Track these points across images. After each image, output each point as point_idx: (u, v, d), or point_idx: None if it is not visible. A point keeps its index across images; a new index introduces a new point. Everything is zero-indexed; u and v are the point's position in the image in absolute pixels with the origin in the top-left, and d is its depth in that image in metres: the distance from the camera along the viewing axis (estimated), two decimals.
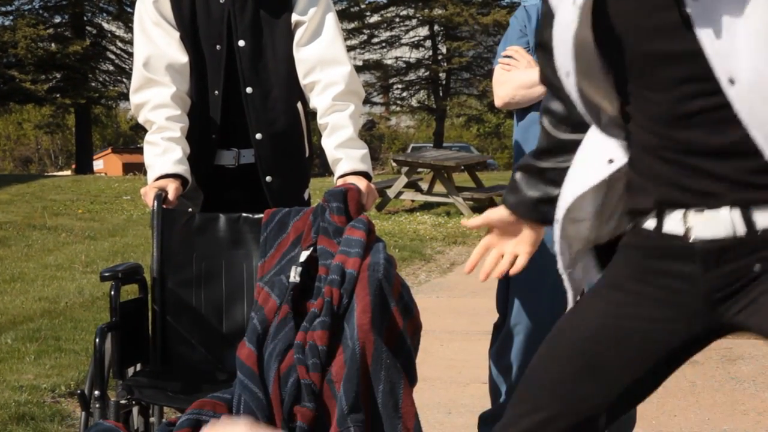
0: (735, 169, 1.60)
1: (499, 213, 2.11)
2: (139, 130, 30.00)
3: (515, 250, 2.15)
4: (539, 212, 2.05)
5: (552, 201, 1.97)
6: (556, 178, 1.96)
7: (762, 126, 1.54)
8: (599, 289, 1.85)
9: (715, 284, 1.66)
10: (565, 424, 1.78)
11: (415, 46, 32.58)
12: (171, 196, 2.81)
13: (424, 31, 32.73)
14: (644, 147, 1.69)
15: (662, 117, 1.64)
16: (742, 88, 1.54)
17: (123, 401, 2.59)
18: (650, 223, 1.72)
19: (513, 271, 2.14)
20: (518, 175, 2.06)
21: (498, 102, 3.14)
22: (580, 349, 1.79)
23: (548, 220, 2.02)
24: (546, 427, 1.79)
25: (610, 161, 1.77)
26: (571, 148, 1.91)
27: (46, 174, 25.99)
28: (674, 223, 1.67)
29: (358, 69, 31.58)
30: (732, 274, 1.64)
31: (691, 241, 1.65)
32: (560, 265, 1.95)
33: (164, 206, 2.82)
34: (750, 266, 1.62)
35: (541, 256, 3.08)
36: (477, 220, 2.15)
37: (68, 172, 28.79)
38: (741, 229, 1.60)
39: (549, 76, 1.86)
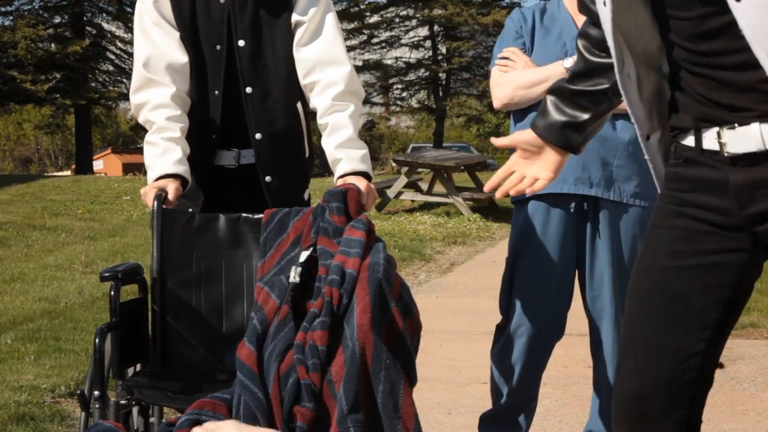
0: (758, 81, 1.70)
1: (526, 135, 2.16)
2: (139, 131, 30.01)
3: (537, 173, 2.18)
4: (565, 137, 2.12)
5: (579, 127, 2.10)
6: (587, 103, 2.06)
7: (764, 42, 1.64)
8: (653, 240, 1.93)
9: (750, 199, 1.77)
10: (669, 373, 1.86)
11: (415, 46, 32.60)
12: (171, 196, 2.81)
13: (424, 32, 32.75)
14: (680, 64, 1.81)
15: (691, 34, 1.76)
16: (747, 5, 1.64)
17: (123, 401, 2.59)
18: (690, 140, 1.83)
19: (530, 191, 2.18)
20: (549, 99, 2.14)
21: (497, 103, 3.15)
22: (659, 300, 1.88)
23: (573, 146, 2.13)
24: (650, 380, 1.87)
25: None
26: (605, 71, 2.02)
27: (46, 174, 26.00)
28: (710, 140, 1.78)
29: (358, 69, 31.58)
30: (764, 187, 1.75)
31: (726, 155, 1.76)
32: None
33: (164, 206, 2.82)
34: None
35: (545, 258, 3.10)
36: (505, 140, 2.20)
37: (68, 173, 28.80)
38: None
39: (588, 4, 2.01)
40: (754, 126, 1.73)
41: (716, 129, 1.78)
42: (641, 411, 1.89)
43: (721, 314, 1.86)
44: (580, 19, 2.92)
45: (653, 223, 1.94)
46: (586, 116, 2.07)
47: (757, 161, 1.75)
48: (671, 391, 1.87)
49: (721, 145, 1.78)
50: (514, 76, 3.04)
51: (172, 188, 2.82)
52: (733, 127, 1.76)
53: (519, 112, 3.14)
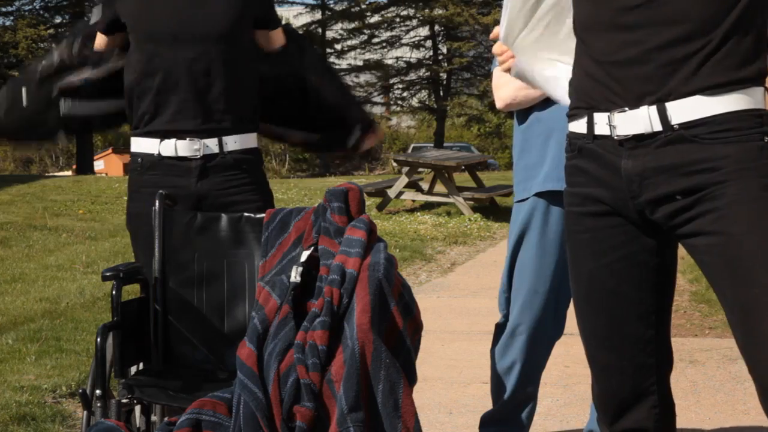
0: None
1: None
2: None
3: None
4: None
5: None
6: None
7: None
8: (572, 246, 2.03)
9: (639, 188, 1.87)
10: (630, 366, 1.96)
11: (416, 46, 32.58)
12: None
13: (424, 31, 32.74)
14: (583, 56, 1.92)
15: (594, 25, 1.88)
16: None
17: (124, 400, 2.59)
18: (582, 126, 1.93)
19: None
20: None
21: (499, 104, 3.15)
22: (597, 303, 1.98)
23: None
24: (615, 377, 1.98)
25: None
26: None
27: (46, 174, 25.97)
28: (601, 125, 1.88)
29: (359, 69, 31.59)
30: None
31: (615, 138, 1.87)
32: None
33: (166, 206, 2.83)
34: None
35: (545, 256, 3.10)
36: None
37: (69, 173, 28.76)
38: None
39: None
40: (643, 109, 1.83)
41: (607, 114, 1.87)
42: (617, 407, 2.00)
43: (655, 298, 1.96)
44: None
45: (567, 230, 2.03)
46: None
47: (644, 144, 1.84)
48: (637, 381, 1.97)
49: (612, 128, 1.87)
50: None
51: None
52: (624, 111, 1.85)
53: (522, 112, 3.14)
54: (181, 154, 2.91)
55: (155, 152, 2.93)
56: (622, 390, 1.98)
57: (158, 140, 2.93)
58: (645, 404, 1.97)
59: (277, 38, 3.07)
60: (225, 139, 2.93)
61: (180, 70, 2.90)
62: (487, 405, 3.31)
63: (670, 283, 2.01)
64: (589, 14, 1.90)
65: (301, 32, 3.22)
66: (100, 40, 3.03)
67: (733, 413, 4.13)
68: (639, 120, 1.84)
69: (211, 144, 2.91)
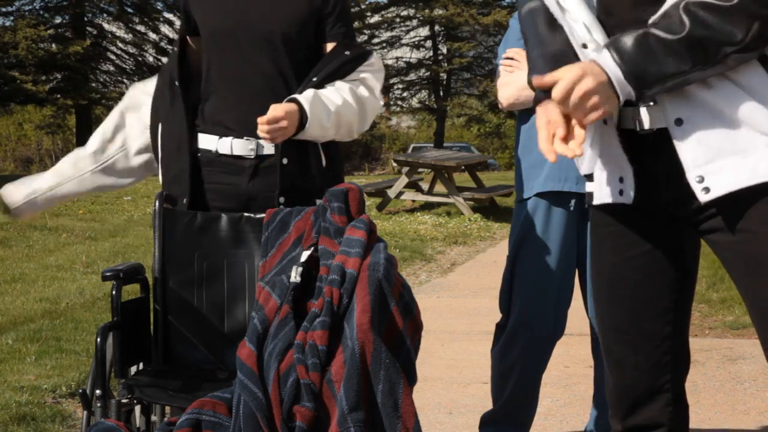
0: None
1: None
2: None
3: None
4: None
5: None
6: None
7: None
8: (595, 240, 2.03)
9: (666, 185, 1.87)
10: (646, 362, 1.96)
11: (416, 46, 32.59)
12: None
13: (424, 32, 32.75)
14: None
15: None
16: None
17: (124, 400, 2.59)
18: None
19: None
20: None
21: (503, 103, 3.15)
22: (616, 297, 1.98)
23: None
24: (630, 372, 1.97)
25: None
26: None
27: None
28: (627, 119, 1.87)
29: None
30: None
31: (641, 132, 1.86)
32: None
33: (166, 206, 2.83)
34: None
35: (546, 256, 3.10)
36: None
37: None
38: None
39: None
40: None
41: (633, 108, 1.86)
42: (630, 402, 1.99)
43: (676, 295, 1.96)
44: None
45: (591, 224, 2.04)
46: None
47: (668, 140, 1.83)
48: (652, 378, 1.96)
49: (637, 123, 1.86)
50: (519, 77, 3.04)
51: None
52: (650, 105, 1.84)
53: (524, 112, 3.15)
54: (236, 152, 2.90)
55: (213, 149, 2.92)
56: (636, 385, 1.97)
57: (216, 137, 2.92)
58: (659, 401, 1.97)
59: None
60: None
61: (244, 69, 2.89)
62: (487, 405, 3.31)
63: (691, 282, 2.01)
64: (604, 12, 1.89)
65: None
66: (192, 42, 3.03)
67: (733, 413, 4.13)
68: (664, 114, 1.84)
69: (267, 144, 2.88)
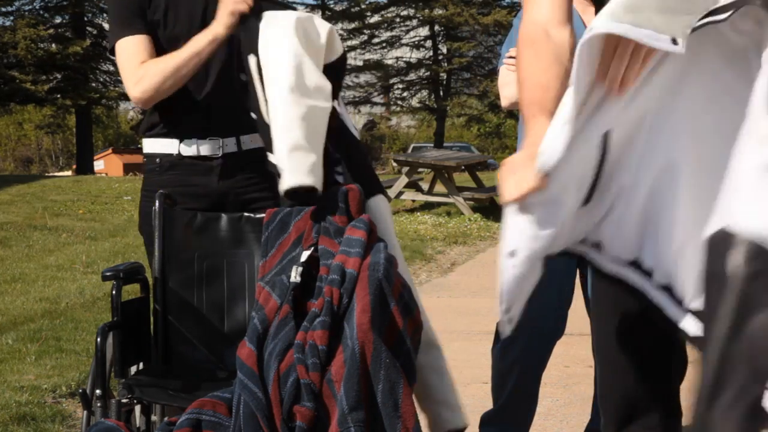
0: None
1: None
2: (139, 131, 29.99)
3: None
4: None
5: None
6: None
7: None
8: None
9: None
10: (636, 372, 1.95)
11: (416, 46, 32.58)
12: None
13: (424, 32, 32.73)
14: None
15: None
16: None
17: (124, 400, 2.59)
18: None
19: None
20: None
21: (504, 102, 3.15)
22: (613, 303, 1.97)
23: None
24: (624, 380, 1.97)
25: None
26: None
27: (46, 174, 25.98)
28: None
29: (359, 69, 31.55)
30: None
31: None
32: None
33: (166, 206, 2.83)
34: None
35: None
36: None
37: (69, 173, 28.77)
38: None
39: None
40: None
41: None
42: (626, 410, 1.98)
43: None
44: (588, 17, 2.92)
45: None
46: None
47: None
48: (647, 386, 1.95)
49: None
50: None
51: None
52: None
53: None
54: (203, 153, 2.94)
55: (175, 152, 2.95)
56: (632, 394, 1.96)
57: (177, 140, 2.94)
58: (654, 410, 1.96)
59: None
60: (242, 138, 2.95)
61: (201, 72, 2.89)
62: (487, 405, 3.31)
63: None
64: None
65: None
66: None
67: None
68: None
69: (230, 143, 2.93)
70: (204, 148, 2.94)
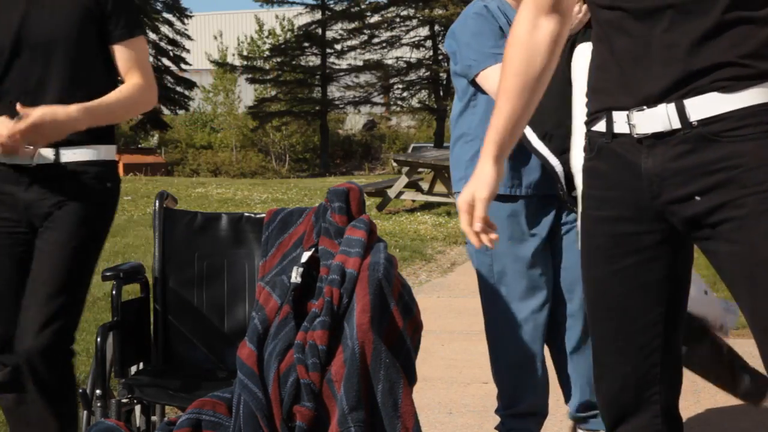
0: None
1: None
2: (139, 131, 30.02)
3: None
4: None
5: None
6: None
7: None
8: (586, 249, 2.02)
9: (660, 188, 1.85)
10: (634, 373, 1.95)
11: (416, 46, 32.56)
12: None
13: (424, 31, 32.74)
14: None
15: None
16: None
17: (124, 400, 2.60)
18: (602, 125, 1.91)
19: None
20: None
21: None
22: (605, 307, 1.98)
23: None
24: (618, 381, 1.97)
25: None
26: None
27: None
28: (621, 124, 1.88)
29: (359, 69, 31.56)
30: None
31: (635, 137, 1.85)
32: None
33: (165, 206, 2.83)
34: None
35: (521, 255, 3.14)
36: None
37: None
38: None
39: None
40: (662, 107, 1.81)
41: (626, 113, 1.86)
42: (618, 412, 1.99)
43: (666, 307, 1.94)
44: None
45: (583, 231, 2.02)
46: None
47: (663, 142, 1.82)
48: (640, 389, 1.95)
49: (631, 127, 1.85)
50: None
51: None
52: (642, 109, 1.83)
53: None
54: (16, 161, 2.76)
55: None
56: (624, 396, 1.96)
57: None
58: (647, 413, 1.96)
59: (120, 56, 2.82)
60: (63, 150, 2.76)
61: (12, 76, 2.76)
62: (487, 405, 3.31)
63: (683, 295, 1.99)
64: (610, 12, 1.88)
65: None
66: None
67: (733, 413, 4.13)
68: (658, 118, 1.82)
69: (47, 153, 2.75)
70: (18, 158, 2.73)
